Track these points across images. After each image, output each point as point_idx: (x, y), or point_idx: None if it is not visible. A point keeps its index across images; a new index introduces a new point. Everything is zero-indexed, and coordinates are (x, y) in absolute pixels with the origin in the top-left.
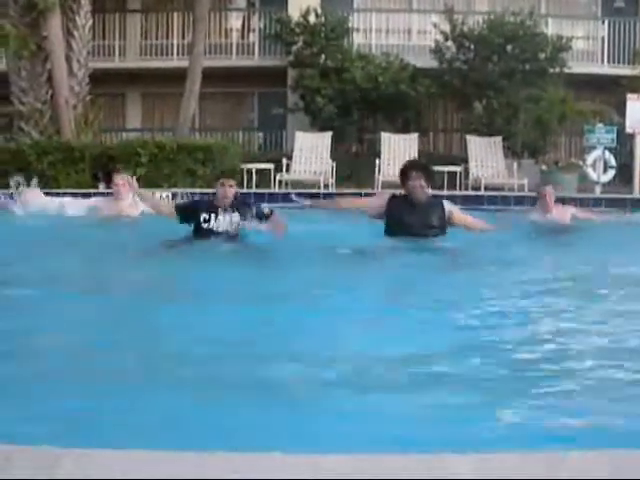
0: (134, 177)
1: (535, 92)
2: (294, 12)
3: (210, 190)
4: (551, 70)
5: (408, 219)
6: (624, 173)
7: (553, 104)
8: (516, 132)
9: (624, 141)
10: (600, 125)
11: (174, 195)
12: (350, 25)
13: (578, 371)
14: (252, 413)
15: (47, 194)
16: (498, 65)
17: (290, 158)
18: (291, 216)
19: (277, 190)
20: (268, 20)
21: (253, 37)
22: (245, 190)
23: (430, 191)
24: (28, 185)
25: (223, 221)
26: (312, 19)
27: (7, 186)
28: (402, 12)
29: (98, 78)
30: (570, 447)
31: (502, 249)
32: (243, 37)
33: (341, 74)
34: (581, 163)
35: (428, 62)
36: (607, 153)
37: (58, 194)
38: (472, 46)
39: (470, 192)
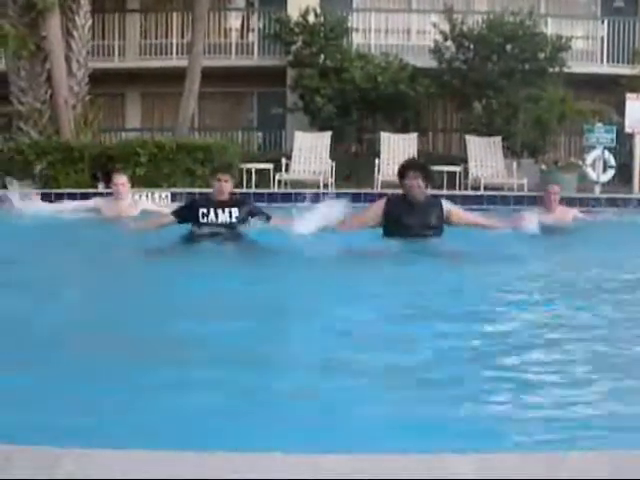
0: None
1: (534, 92)
2: (293, 12)
3: (209, 190)
4: (550, 70)
5: (407, 220)
6: (623, 173)
7: (553, 104)
8: (515, 132)
9: (623, 141)
10: (599, 125)
11: (173, 195)
12: (349, 25)
13: (578, 371)
14: (252, 413)
15: (45, 195)
16: (497, 65)
17: (289, 158)
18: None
19: (276, 190)
20: (267, 20)
21: (252, 37)
22: (244, 190)
23: (429, 191)
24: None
25: (222, 215)
26: (311, 19)
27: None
28: (401, 12)
29: (97, 78)
30: (570, 447)
31: (501, 249)
32: (242, 37)
33: (340, 74)
34: (580, 163)
35: (427, 62)
36: (606, 153)
37: (57, 195)
38: (471, 46)
39: (469, 192)
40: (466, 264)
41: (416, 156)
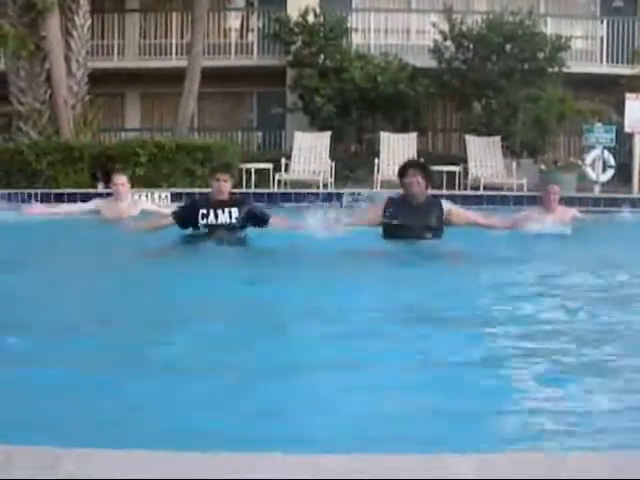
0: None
1: (534, 92)
2: (293, 12)
3: (209, 190)
4: (550, 70)
5: (407, 220)
6: (623, 172)
7: (552, 104)
8: (515, 132)
9: (623, 140)
10: (599, 124)
11: (173, 195)
12: (349, 25)
13: (578, 371)
14: (252, 413)
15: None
16: (497, 65)
17: (289, 158)
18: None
19: (276, 190)
20: (267, 20)
21: (252, 37)
22: (244, 190)
23: (429, 191)
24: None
25: (222, 215)
26: (311, 19)
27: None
28: (401, 12)
29: (97, 78)
30: (570, 447)
31: (500, 249)
32: (242, 37)
33: (340, 74)
34: (580, 162)
35: (427, 62)
36: (606, 152)
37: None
38: (471, 46)
39: (469, 192)
40: (466, 264)
41: (416, 156)
